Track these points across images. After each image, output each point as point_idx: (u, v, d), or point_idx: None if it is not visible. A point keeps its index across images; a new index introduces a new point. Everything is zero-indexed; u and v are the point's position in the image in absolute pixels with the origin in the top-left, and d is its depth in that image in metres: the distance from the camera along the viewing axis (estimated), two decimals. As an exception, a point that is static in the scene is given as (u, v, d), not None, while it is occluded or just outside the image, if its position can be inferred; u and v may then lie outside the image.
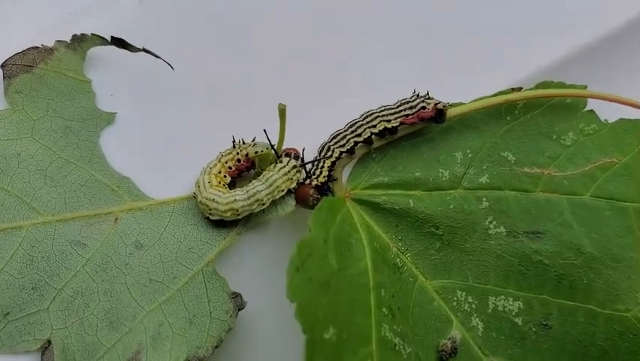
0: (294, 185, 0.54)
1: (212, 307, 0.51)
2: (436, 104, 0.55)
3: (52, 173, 0.53)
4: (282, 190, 0.53)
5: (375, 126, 0.54)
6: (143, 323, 0.50)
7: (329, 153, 0.54)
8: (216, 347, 0.50)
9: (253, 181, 0.53)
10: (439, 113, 0.55)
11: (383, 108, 0.55)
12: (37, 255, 0.51)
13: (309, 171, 0.55)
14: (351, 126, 0.55)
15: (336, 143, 0.55)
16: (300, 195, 0.54)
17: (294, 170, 0.53)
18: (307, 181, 0.54)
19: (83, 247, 0.51)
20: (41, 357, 0.49)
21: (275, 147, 0.53)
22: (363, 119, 0.55)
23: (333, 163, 0.55)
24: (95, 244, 0.52)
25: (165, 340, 0.50)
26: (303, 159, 0.54)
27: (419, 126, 0.56)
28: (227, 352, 0.54)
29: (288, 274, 0.44)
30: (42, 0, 0.59)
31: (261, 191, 0.52)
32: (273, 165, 0.54)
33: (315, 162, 0.54)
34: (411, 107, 0.55)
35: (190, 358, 0.49)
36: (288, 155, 0.54)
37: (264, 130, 0.52)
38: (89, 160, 0.54)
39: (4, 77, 0.54)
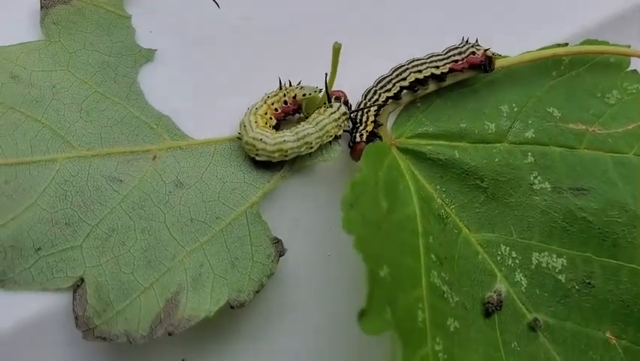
0: (341, 131, 0.55)
1: (254, 251, 0.52)
2: (485, 50, 0.57)
3: (88, 107, 0.53)
4: (331, 135, 0.54)
5: (421, 72, 0.56)
6: (183, 263, 0.50)
7: (375, 97, 0.55)
8: (257, 291, 0.51)
9: (302, 123, 0.54)
10: (489, 60, 0.57)
11: (431, 55, 0.57)
12: (70, 190, 0.51)
13: (356, 118, 0.56)
14: (396, 70, 0.56)
15: (382, 87, 0.56)
16: (357, 152, 0.55)
17: (344, 116, 0.54)
18: (356, 133, 0.55)
19: (120, 183, 0.51)
20: (73, 295, 0.49)
21: (327, 87, 0.54)
22: (409, 64, 0.56)
23: (379, 109, 0.56)
24: (133, 181, 0.52)
25: (206, 281, 0.50)
26: (350, 105, 0.56)
27: (467, 74, 0.58)
28: (267, 299, 0.54)
29: (343, 210, 0.45)
30: None
31: (312, 134, 0.53)
32: (323, 108, 0.55)
33: (362, 109, 0.56)
34: (460, 53, 0.57)
35: (231, 301, 0.50)
36: (337, 99, 0.55)
37: (326, 73, 0.53)
38: (126, 96, 0.54)
39: (41, 7, 0.55)
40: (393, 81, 0.56)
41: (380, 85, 0.56)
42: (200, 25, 0.58)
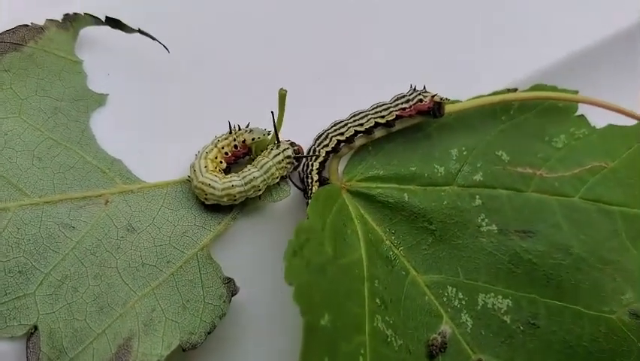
0: (285, 172, 0.61)
1: (205, 293, 0.57)
2: (432, 97, 0.63)
3: (41, 154, 0.59)
4: (276, 177, 0.60)
5: (362, 125, 0.62)
6: (134, 308, 0.56)
7: (326, 141, 0.61)
8: (209, 332, 0.57)
9: (248, 166, 0.60)
10: (438, 106, 0.63)
11: (376, 105, 0.63)
12: (24, 237, 0.56)
13: (304, 168, 0.62)
14: (336, 124, 0.62)
15: (335, 130, 0.62)
16: None
17: (288, 158, 0.60)
18: (307, 189, 0.61)
19: (72, 229, 0.57)
20: (27, 343, 0.54)
21: (276, 130, 0.60)
22: (351, 117, 0.63)
23: (322, 164, 0.62)
24: (85, 227, 0.57)
25: (158, 325, 0.55)
26: (299, 155, 0.61)
27: (417, 120, 0.64)
28: (220, 338, 0.59)
29: (286, 258, 0.51)
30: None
31: (257, 178, 0.59)
32: (267, 150, 0.61)
33: (307, 158, 0.62)
34: (407, 101, 0.63)
35: (183, 344, 0.55)
36: (292, 144, 0.61)
37: (272, 112, 0.59)
38: (78, 141, 0.60)
39: (-8, 54, 0.60)
40: (330, 136, 0.62)
41: (334, 128, 0.62)
42: (151, 66, 0.64)
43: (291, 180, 0.62)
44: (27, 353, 0.53)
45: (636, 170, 0.65)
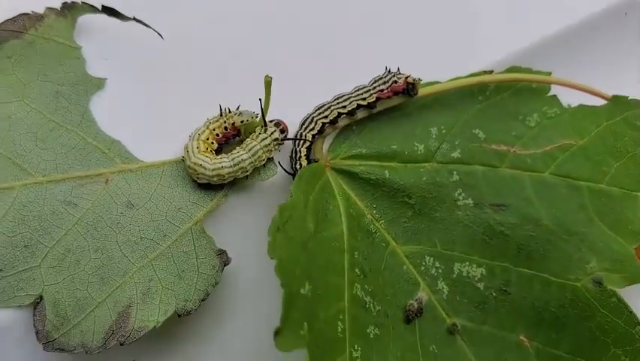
0: (272, 155, 0.65)
1: (199, 263, 0.62)
2: (406, 78, 0.67)
3: (43, 135, 0.62)
4: (263, 159, 0.64)
5: (345, 106, 0.65)
6: (133, 279, 0.60)
7: (311, 125, 0.65)
8: (203, 300, 0.61)
9: (237, 148, 0.64)
10: (412, 86, 0.67)
11: (357, 88, 0.67)
12: (28, 214, 0.60)
13: (293, 147, 0.66)
14: (320, 107, 0.66)
15: (320, 114, 0.66)
16: None
17: (275, 141, 0.64)
18: (295, 165, 0.65)
19: (74, 206, 0.61)
20: (34, 311, 0.58)
21: (263, 115, 0.63)
22: (335, 100, 0.66)
23: (310, 144, 0.66)
24: (86, 204, 0.61)
25: (155, 294, 0.60)
26: (286, 135, 0.65)
27: (396, 100, 0.68)
28: (213, 304, 0.64)
29: (270, 234, 0.55)
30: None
31: (245, 160, 0.63)
32: (255, 134, 0.64)
33: (295, 142, 0.65)
34: (384, 82, 0.67)
35: (178, 310, 0.60)
36: (277, 125, 0.64)
37: (260, 99, 0.63)
38: (79, 124, 0.63)
39: (-5, 42, 0.63)
40: (332, 108, 0.65)
41: (318, 112, 0.66)
42: (147, 52, 0.67)
43: (282, 167, 0.65)
44: (34, 320, 0.58)
45: (604, 147, 0.68)
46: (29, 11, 0.64)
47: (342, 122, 0.67)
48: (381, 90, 0.66)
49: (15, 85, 0.63)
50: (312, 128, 0.65)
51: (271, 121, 0.65)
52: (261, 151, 0.63)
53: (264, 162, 0.64)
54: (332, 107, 0.65)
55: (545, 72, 0.70)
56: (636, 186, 0.67)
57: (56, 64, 0.64)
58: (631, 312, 0.63)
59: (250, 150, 0.63)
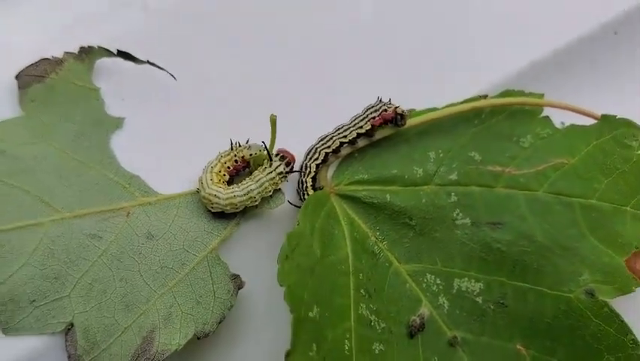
0: (279, 186, 0.70)
1: (215, 288, 0.66)
2: (395, 108, 0.71)
3: (67, 173, 0.67)
4: (270, 190, 0.69)
5: (346, 136, 0.70)
6: (155, 305, 0.65)
7: (315, 155, 0.70)
8: (219, 322, 0.66)
9: (247, 179, 0.69)
10: (400, 116, 0.71)
11: (354, 117, 0.72)
12: (57, 248, 0.65)
13: (299, 177, 0.71)
14: (322, 138, 0.71)
15: (322, 144, 0.70)
16: None
17: (280, 175, 0.69)
18: (301, 193, 0.70)
19: (99, 239, 0.65)
20: (65, 337, 0.63)
21: (269, 151, 0.68)
22: (336, 131, 0.71)
23: (315, 175, 0.70)
24: (110, 237, 0.66)
25: (175, 319, 0.65)
26: (291, 167, 0.70)
27: (387, 131, 0.72)
28: (228, 326, 0.69)
29: (279, 262, 0.60)
30: (50, 9, 0.71)
31: (254, 190, 0.68)
32: (263, 167, 0.70)
33: (301, 173, 0.70)
34: (375, 111, 0.72)
35: (197, 333, 0.65)
36: (282, 157, 0.69)
37: (263, 142, 0.69)
38: (100, 161, 0.68)
39: (18, 87, 0.68)
40: (319, 149, 0.70)
41: (322, 142, 0.70)
42: (161, 92, 0.72)
43: (290, 202, 0.70)
44: (66, 346, 0.63)
45: (594, 165, 0.72)
46: (49, 56, 0.69)
47: (345, 150, 0.72)
48: (373, 118, 0.71)
49: (39, 127, 0.68)
50: (316, 158, 0.70)
51: (277, 155, 0.70)
52: (268, 183, 0.68)
53: (271, 193, 0.69)
54: (334, 138, 0.70)
55: (538, 94, 0.74)
56: (625, 201, 0.71)
57: (77, 105, 0.69)
58: (622, 321, 0.67)
59: (258, 181, 0.68)
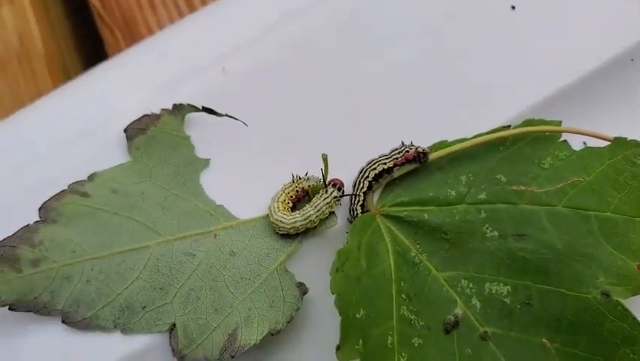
0: (333, 209, 0.85)
1: (285, 294, 0.81)
2: (416, 149, 0.84)
3: (167, 205, 0.84)
4: (326, 213, 0.84)
5: (375, 168, 0.84)
6: (237, 309, 0.80)
7: (360, 185, 0.84)
8: (289, 322, 0.80)
9: (306, 206, 0.84)
10: (421, 155, 0.84)
11: (381, 155, 0.85)
12: (161, 265, 0.82)
13: (351, 200, 0.85)
14: (361, 170, 0.85)
15: (362, 176, 0.85)
16: None
17: (334, 200, 0.84)
18: (352, 213, 0.85)
19: (193, 257, 0.82)
20: (169, 335, 0.80)
21: (324, 181, 0.84)
22: (368, 164, 0.85)
23: (362, 202, 0.84)
24: (202, 255, 0.82)
25: (253, 319, 0.80)
26: (343, 191, 0.85)
27: (411, 166, 0.85)
28: (296, 325, 0.83)
29: (331, 274, 0.75)
30: (150, 73, 0.89)
31: (312, 214, 0.83)
32: (320, 194, 0.84)
33: (352, 196, 0.84)
34: (399, 153, 0.85)
35: (271, 331, 0.80)
36: (334, 185, 0.84)
37: (321, 169, 0.83)
38: (193, 193, 0.85)
39: (127, 139, 0.86)
40: (361, 180, 0.85)
41: (360, 175, 0.85)
42: (237, 136, 0.88)
43: (349, 220, 0.85)
44: (170, 342, 0.79)
45: (607, 182, 0.81)
46: (149, 112, 0.86)
47: (384, 180, 0.86)
48: (397, 158, 0.84)
49: (143, 169, 0.85)
50: (362, 187, 0.84)
51: (329, 182, 0.84)
52: (325, 207, 0.83)
53: (327, 215, 0.84)
54: (367, 170, 0.84)
55: (556, 122, 0.84)
56: (637, 213, 0.80)
57: (172, 150, 0.86)
58: (634, 318, 0.77)
59: (316, 207, 0.83)
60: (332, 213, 0.85)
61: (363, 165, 0.86)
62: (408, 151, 0.85)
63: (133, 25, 1.07)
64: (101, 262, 0.81)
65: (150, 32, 1.05)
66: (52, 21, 1.10)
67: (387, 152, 0.86)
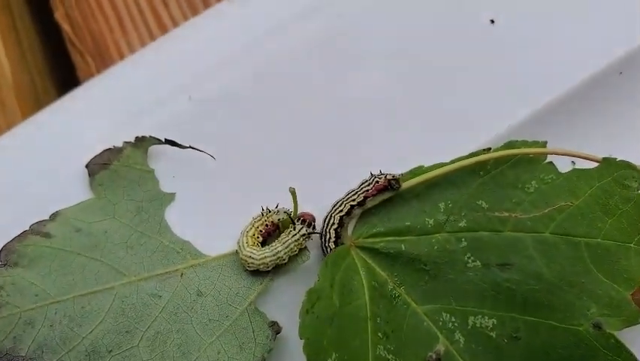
0: (303, 246, 0.80)
1: (256, 335, 0.77)
2: (386, 177, 0.80)
3: (132, 243, 0.80)
4: (295, 251, 0.80)
5: (342, 210, 0.80)
6: (206, 352, 0.77)
7: (331, 221, 0.79)
8: (261, 364, 0.78)
9: (275, 242, 0.80)
10: (392, 182, 0.79)
11: (349, 192, 0.81)
12: (126, 306, 0.78)
13: (321, 236, 0.81)
14: (330, 210, 0.81)
15: (334, 210, 0.80)
16: None
17: (303, 237, 0.80)
18: (325, 248, 0.80)
19: (159, 298, 0.78)
20: (132, 381, 0.77)
21: (291, 218, 0.80)
22: (333, 207, 0.81)
23: (335, 238, 0.80)
24: (168, 295, 0.79)
25: (223, 364, 0.76)
26: (314, 227, 0.81)
27: (383, 195, 0.80)
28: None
29: (300, 316, 0.70)
30: (115, 103, 0.86)
31: (281, 251, 0.79)
32: (289, 230, 0.80)
33: (322, 234, 0.80)
34: (369, 184, 0.80)
35: (242, 376, 0.76)
36: (303, 221, 0.80)
37: (285, 212, 0.80)
38: (158, 231, 0.81)
39: (89, 175, 0.82)
40: (333, 215, 0.80)
41: (334, 208, 0.80)
42: (204, 169, 0.84)
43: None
44: (138, 388, 0.77)
45: (597, 206, 0.76)
46: (111, 146, 0.82)
47: (356, 212, 0.81)
48: (367, 190, 0.80)
49: (107, 206, 0.81)
50: (333, 224, 0.79)
51: (299, 218, 0.80)
52: (293, 244, 0.79)
53: (297, 252, 0.80)
54: (331, 213, 0.80)
55: (540, 143, 0.79)
56: (629, 239, 0.75)
57: (136, 185, 0.82)
58: (628, 351, 0.72)
59: (284, 243, 0.79)
60: (303, 248, 0.81)
61: (333, 203, 0.82)
62: (378, 181, 0.80)
63: (104, 49, 1.04)
64: (65, 305, 0.77)
65: (121, 56, 1.02)
66: (23, 51, 1.08)
67: (356, 186, 0.82)
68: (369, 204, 0.81)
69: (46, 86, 1.11)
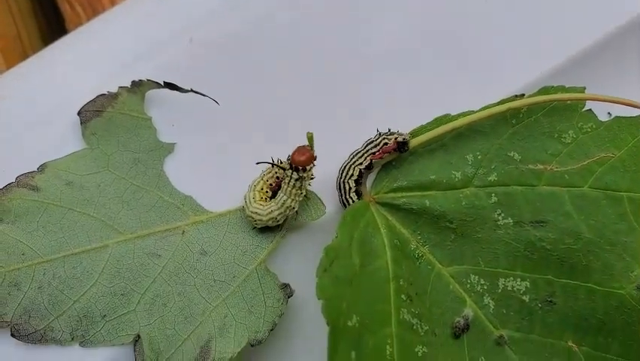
0: (304, 191, 0.71)
1: (266, 298, 0.70)
2: (396, 138, 0.71)
3: (127, 198, 0.73)
4: (301, 196, 0.71)
5: (352, 170, 0.72)
6: (211, 317, 0.70)
7: (350, 172, 0.71)
8: (271, 330, 0.70)
9: (279, 192, 0.72)
10: (401, 145, 0.71)
11: (353, 153, 0.73)
12: (122, 267, 0.71)
13: (339, 187, 0.73)
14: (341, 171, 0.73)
15: (352, 161, 0.72)
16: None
17: (298, 182, 0.70)
18: (344, 200, 0.73)
19: (158, 257, 0.71)
20: (134, 348, 0.70)
21: (274, 162, 0.71)
22: (343, 166, 0.73)
23: (358, 182, 0.72)
24: (168, 254, 0.71)
25: (230, 328, 0.69)
26: (310, 167, 0.70)
27: (393, 156, 0.72)
28: (280, 333, 0.73)
29: (317, 275, 0.62)
30: (110, 49, 0.77)
31: (286, 200, 0.71)
32: (285, 175, 0.71)
33: (339, 185, 0.72)
34: (375, 145, 0.72)
35: (251, 341, 0.69)
36: (292, 165, 0.70)
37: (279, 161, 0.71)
38: (156, 184, 0.74)
39: (80, 123, 0.74)
40: (351, 169, 0.72)
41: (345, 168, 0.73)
42: (207, 116, 0.75)
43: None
44: (135, 356, 0.69)
45: (641, 157, 0.69)
46: (105, 92, 0.74)
47: (378, 164, 0.73)
48: (373, 153, 0.72)
49: (100, 157, 0.73)
50: (352, 175, 0.72)
51: (288, 162, 0.71)
52: (293, 191, 0.70)
53: (301, 198, 0.71)
54: (346, 171, 0.72)
55: (578, 88, 0.72)
56: (678, 192, 0.69)
57: (132, 134, 0.74)
58: (676, 316, 0.66)
59: (285, 191, 0.71)
60: (319, 200, 0.74)
61: (351, 153, 0.74)
62: (387, 143, 0.72)
63: (93, -4, 0.96)
64: (54, 265, 0.70)
65: (112, 3, 0.93)
66: (9, 3, 1.00)
67: (360, 147, 0.74)
68: (376, 166, 0.74)
69: (35, 40, 1.03)
